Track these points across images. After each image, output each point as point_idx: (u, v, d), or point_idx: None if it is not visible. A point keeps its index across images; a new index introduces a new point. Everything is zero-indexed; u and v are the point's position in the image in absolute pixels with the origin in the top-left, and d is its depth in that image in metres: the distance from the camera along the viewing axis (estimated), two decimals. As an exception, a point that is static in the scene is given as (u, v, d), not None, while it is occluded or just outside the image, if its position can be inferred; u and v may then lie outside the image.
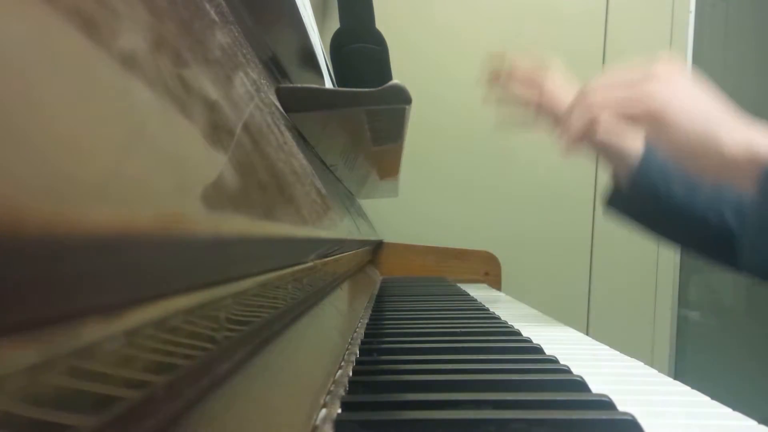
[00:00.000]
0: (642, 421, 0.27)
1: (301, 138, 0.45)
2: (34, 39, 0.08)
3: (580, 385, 0.33)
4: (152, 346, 0.12)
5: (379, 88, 0.44)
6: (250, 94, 0.26)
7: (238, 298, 0.19)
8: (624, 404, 0.29)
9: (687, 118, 0.55)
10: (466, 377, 0.35)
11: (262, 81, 0.35)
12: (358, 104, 0.45)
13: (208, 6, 0.24)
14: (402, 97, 0.45)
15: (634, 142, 0.66)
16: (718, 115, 0.56)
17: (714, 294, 1.56)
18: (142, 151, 0.11)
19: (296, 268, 0.29)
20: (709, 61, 1.54)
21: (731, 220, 0.63)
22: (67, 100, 0.09)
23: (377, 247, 1.19)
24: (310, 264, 0.33)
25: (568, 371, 0.37)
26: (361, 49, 0.59)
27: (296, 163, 0.32)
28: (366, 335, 0.48)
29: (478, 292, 0.96)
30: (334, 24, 0.60)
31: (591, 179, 1.49)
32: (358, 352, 0.41)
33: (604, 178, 1.46)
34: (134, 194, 0.10)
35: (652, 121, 0.57)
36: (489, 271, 1.35)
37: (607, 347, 0.51)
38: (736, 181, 0.53)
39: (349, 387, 0.32)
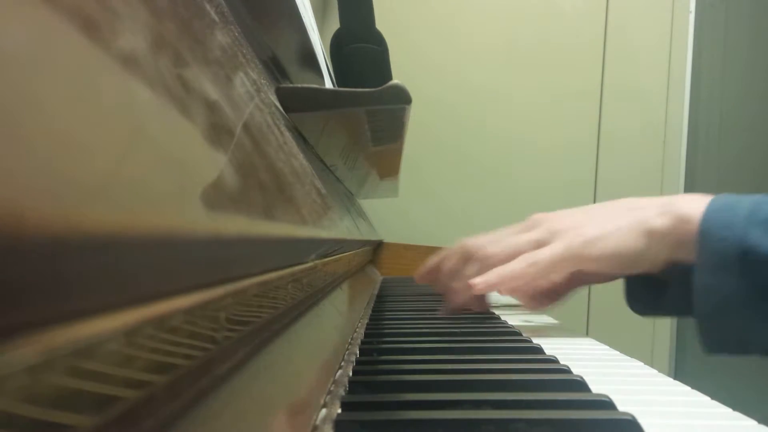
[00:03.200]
0: (642, 421, 0.27)
1: (301, 138, 0.45)
2: (34, 39, 0.08)
3: (580, 385, 0.33)
4: (152, 346, 0.12)
5: (379, 88, 0.44)
6: (250, 94, 0.26)
7: (237, 298, 0.19)
8: (624, 404, 0.29)
9: (601, 239, 0.54)
10: (466, 377, 0.35)
11: (262, 81, 0.36)
12: (358, 104, 0.45)
13: (208, 6, 0.24)
14: (402, 97, 0.45)
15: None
16: (621, 210, 0.55)
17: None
18: (142, 151, 0.11)
19: (296, 268, 0.29)
20: (709, 61, 1.54)
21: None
22: (66, 100, 0.09)
23: (377, 247, 1.19)
24: (310, 264, 0.33)
25: (568, 371, 0.37)
26: (361, 49, 0.59)
27: (296, 163, 0.32)
28: (366, 335, 0.48)
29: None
30: (334, 24, 0.60)
31: (591, 179, 1.49)
32: (358, 352, 0.41)
33: (604, 178, 1.47)
34: (134, 194, 0.10)
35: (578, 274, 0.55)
36: (489, 271, 1.34)
37: (606, 347, 0.51)
38: (681, 254, 0.52)
39: (349, 387, 0.32)
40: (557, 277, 0.58)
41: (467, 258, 0.60)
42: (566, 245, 0.54)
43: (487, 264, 0.57)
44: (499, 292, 0.60)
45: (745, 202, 0.49)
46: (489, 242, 0.59)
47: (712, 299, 0.49)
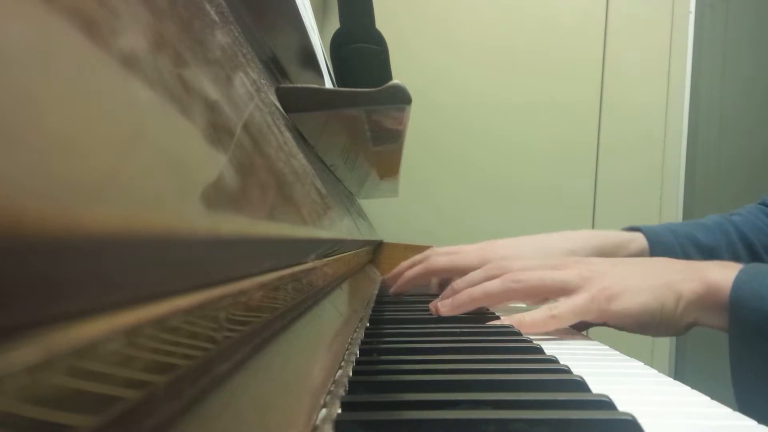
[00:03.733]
0: (642, 421, 0.27)
1: (301, 138, 0.45)
2: (34, 39, 0.08)
3: (580, 385, 0.33)
4: (152, 346, 0.12)
5: (379, 88, 0.44)
6: (250, 94, 0.26)
7: (237, 298, 0.19)
8: (624, 404, 0.29)
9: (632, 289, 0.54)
10: (466, 377, 0.35)
11: (262, 81, 0.36)
12: (358, 104, 0.45)
13: (208, 6, 0.24)
14: (402, 97, 0.45)
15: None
16: (654, 270, 0.55)
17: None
18: (141, 151, 0.11)
19: (296, 268, 0.29)
20: (709, 61, 1.54)
21: None
22: (66, 100, 0.09)
23: (377, 247, 1.19)
24: (310, 264, 0.33)
25: (568, 371, 0.37)
26: (361, 49, 0.59)
27: (296, 163, 0.32)
28: (366, 335, 0.48)
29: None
30: (334, 24, 0.60)
31: (591, 179, 1.49)
32: (358, 352, 0.41)
33: (604, 181, 1.47)
34: (134, 194, 0.10)
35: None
36: (489, 271, 1.35)
37: (606, 347, 0.51)
38: (706, 320, 0.53)
39: (349, 387, 0.32)
40: (573, 322, 0.57)
41: (494, 277, 0.60)
42: (591, 298, 0.54)
43: (508, 287, 0.58)
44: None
45: None
46: (520, 268, 0.59)
47: (744, 366, 0.50)
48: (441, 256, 0.79)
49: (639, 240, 0.78)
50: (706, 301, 0.52)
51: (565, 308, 0.54)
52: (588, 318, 0.55)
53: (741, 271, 0.51)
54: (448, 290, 0.64)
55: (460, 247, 0.79)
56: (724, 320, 0.51)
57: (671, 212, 1.47)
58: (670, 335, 0.55)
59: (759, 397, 0.50)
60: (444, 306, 0.61)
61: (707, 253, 0.76)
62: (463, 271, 0.82)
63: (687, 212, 1.49)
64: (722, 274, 0.52)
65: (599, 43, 1.49)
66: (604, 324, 0.56)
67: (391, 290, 0.81)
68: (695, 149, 1.53)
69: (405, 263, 0.82)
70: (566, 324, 0.55)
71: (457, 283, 0.63)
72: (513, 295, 0.59)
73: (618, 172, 1.48)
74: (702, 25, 1.51)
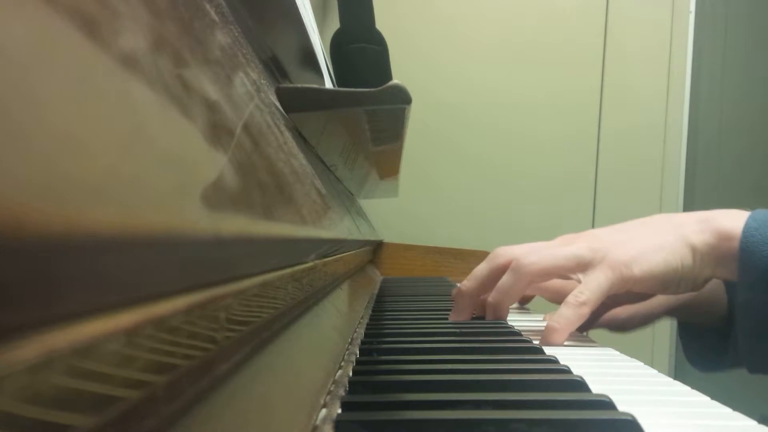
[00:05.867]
0: (642, 421, 0.27)
1: (301, 138, 0.45)
2: (34, 39, 0.08)
3: (580, 385, 0.33)
4: (152, 346, 0.12)
5: (379, 88, 0.44)
6: (250, 94, 0.26)
7: (237, 298, 0.19)
8: (624, 404, 0.29)
9: (648, 254, 0.51)
10: (466, 377, 0.35)
11: (262, 81, 0.36)
12: (358, 104, 0.45)
13: (208, 6, 0.24)
14: (402, 97, 0.45)
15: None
16: (659, 227, 0.53)
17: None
18: (141, 151, 0.11)
19: (296, 268, 0.29)
20: (709, 61, 1.54)
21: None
22: (66, 100, 0.09)
23: (377, 247, 1.19)
24: (310, 264, 0.33)
25: (568, 371, 0.37)
26: (361, 49, 0.59)
27: (296, 163, 0.32)
28: (366, 335, 0.48)
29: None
30: (334, 24, 0.60)
31: (591, 179, 1.49)
32: (358, 352, 0.41)
33: (605, 177, 1.47)
34: (134, 194, 0.10)
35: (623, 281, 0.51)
36: (489, 271, 1.35)
37: (606, 347, 0.51)
38: (722, 272, 0.51)
39: (349, 387, 0.32)
40: (602, 301, 0.53)
41: (500, 268, 0.56)
42: (611, 268, 0.51)
43: (521, 273, 0.53)
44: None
45: None
46: (525, 253, 0.55)
47: (754, 316, 0.49)
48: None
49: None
50: (719, 251, 0.50)
51: (590, 290, 0.50)
52: (614, 290, 0.51)
53: (750, 218, 0.50)
54: (456, 296, 0.58)
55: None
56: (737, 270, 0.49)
57: (672, 202, 1.48)
58: (689, 291, 0.53)
59: (761, 349, 0.49)
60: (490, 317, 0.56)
61: None
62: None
63: (687, 202, 1.49)
64: (732, 221, 0.50)
65: (600, 34, 1.49)
66: (627, 292, 0.53)
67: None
68: (696, 139, 1.53)
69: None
70: (597, 305, 0.51)
71: (464, 284, 0.58)
72: (532, 282, 0.55)
73: (619, 162, 1.48)
74: (703, 15, 1.51)
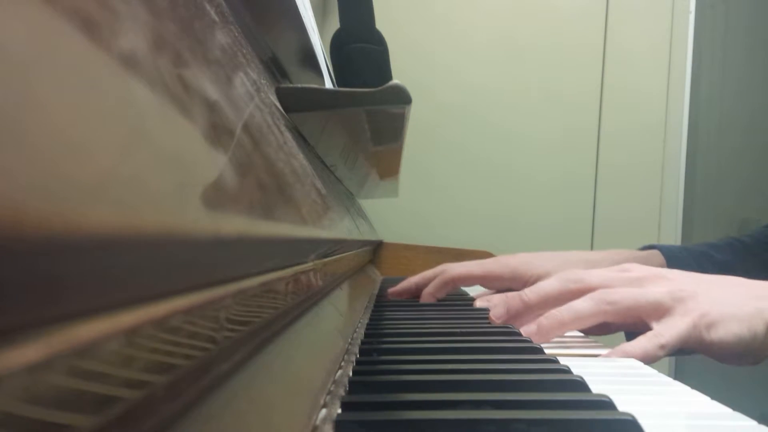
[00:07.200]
0: (642, 421, 0.27)
1: (301, 138, 0.45)
2: (34, 39, 0.08)
3: (580, 385, 0.33)
4: (152, 346, 0.12)
5: (379, 88, 0.44)
6: (250, 94, 0.26)
7: (237, 298, 0.19)
8: (624, 404, 0.29)
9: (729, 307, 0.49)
10: (466, 377, 0.35)
11: (262, 81, 0.36)
12: (358, 104, 0.45)
13: (208, 6, 0.24)
14: (402, 97, 0.45)
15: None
16: (737, 291, 0.51)
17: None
18: (141, 151, 0.11)
19: (296, 268, 0.29)
20: (709, 61, 1.54)
21: None
22: (66, 100, 0.09)
23: (377, 247, 1.19)
24: (310, 264, 0.33)
25: (568, 371, 0.37)
26: (361, 49, 0.59)
27: (296, 163, 0.32)
28: (366, 335, 0.48)
29: (478, 293, 0.96)
30: (334, 24, 0.60)
31: (591, 179, 1.49)
32: (358, 352, 0.41)
33: (605, 177, 1.47)
34: (134, 194, 0.10)
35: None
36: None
37: (606, 347, 0.51)
38: None
39: (349, 387, 0.32)
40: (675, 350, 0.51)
41: (572, 292, 0.53)
42: (694, 325, 0.49)
43: (604, 306, 0.51)
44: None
45: None
46: (606, 282, 0.53)
47: None
48: (456, 266, 0.76)
49: (656, 257, 0.77)
50: None
51: (670, 336, 0.48)
52: (684, 346, 0.49)
53: None
54: (515, 302, 0.56)
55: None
56: None
57: (672, 202, 1.48)
58: (750, 365, 0.51)
59: None
60: (529, 331, 0.52)
61: (724, 269, 0.75)
62: (483, 279, 0.79)
63: (687, 202, 1.50)
64: None
65: (600, 33, 1.49)
66: (692, 353, 0.51)
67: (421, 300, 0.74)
68: (696, 138, 1.53)
69: (413, 279, 0.77)
70: (671, 354, 0.49)
71: (527, 293, 0.55)
72: (605, 318, 0.52)
73: (619, 162, 1.48)
74: (703, 15, 1.51)
